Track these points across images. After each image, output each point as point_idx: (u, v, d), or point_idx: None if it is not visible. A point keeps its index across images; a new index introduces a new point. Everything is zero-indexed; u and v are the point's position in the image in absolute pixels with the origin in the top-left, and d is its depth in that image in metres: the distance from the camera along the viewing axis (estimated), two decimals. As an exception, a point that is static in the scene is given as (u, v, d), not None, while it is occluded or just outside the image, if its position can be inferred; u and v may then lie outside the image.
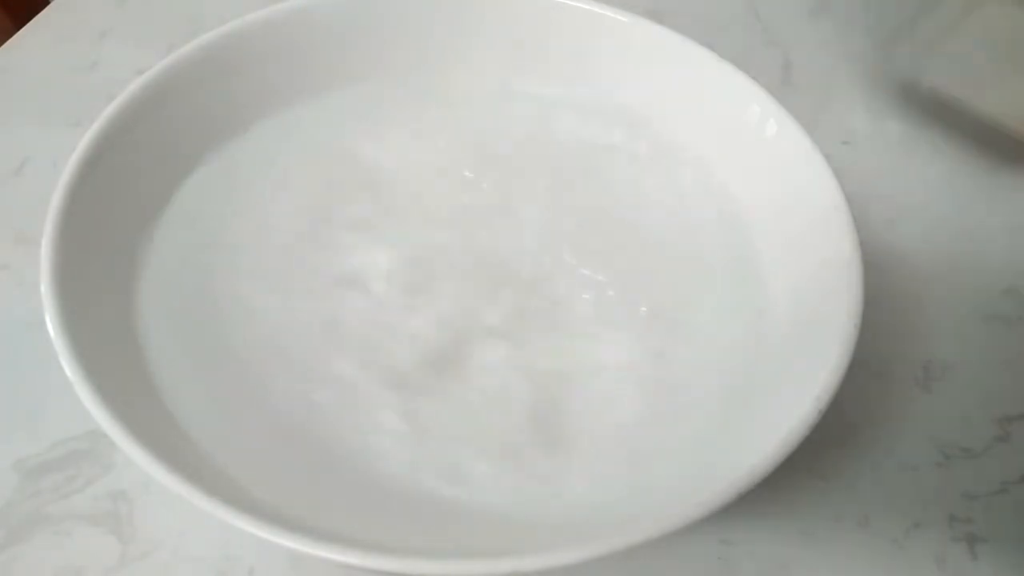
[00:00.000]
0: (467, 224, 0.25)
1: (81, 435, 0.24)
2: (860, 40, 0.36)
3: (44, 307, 0.19)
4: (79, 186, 0.21)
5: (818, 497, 0.24)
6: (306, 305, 0.23)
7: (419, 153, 0.27)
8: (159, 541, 0.22)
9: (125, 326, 0.22)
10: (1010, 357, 0.27)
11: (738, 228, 0.25)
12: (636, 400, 0.22)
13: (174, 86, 0.24)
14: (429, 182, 0.26)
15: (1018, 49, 0.30)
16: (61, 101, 0.32)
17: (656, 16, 0.27)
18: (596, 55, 0.27)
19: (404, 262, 0.24)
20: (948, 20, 0.31)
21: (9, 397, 0.25)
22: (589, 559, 0.16)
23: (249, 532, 0.16)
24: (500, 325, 0.23)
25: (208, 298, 0.23)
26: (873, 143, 0.32)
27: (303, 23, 0.26)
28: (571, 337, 0.23)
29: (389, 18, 0.27)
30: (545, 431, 0.21)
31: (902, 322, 0.27)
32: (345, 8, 0.27)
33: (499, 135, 0.28)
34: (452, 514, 0.20)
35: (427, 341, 0.23)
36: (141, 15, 0.36)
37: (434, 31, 0.28)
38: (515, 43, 0.28)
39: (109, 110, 0.23)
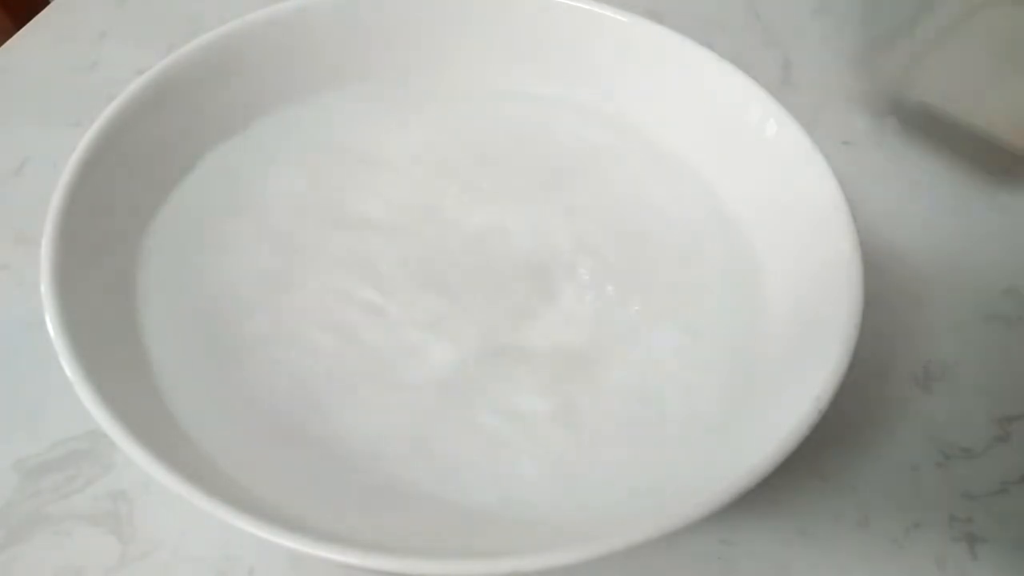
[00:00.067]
0: (467, 224, 0.25)
1: (81, 435, 0.24)
2: (860, 40, 0.36)
3: (44, 307, 0.19)
4: (79, 186, 0.21)
5: (818, 497, 0.24)
6: (307, 304, 0.23)
7: (418, 153, 0.27)
8: (159, 541, 0.22)
9: (125, 326, 0.22)
10: (1010, 357, 0.27)
11: (738, 228, 0.25)
12: (635, 400, 0.22)
13: (174, 86, 0.24)
14: (428, 182, 0.26)
15: (1018, 50, 0.30)
16: (61, 101, 0.32)
17: (656, 16, 0.27)
18: (596, 55, 0.27)
19: (404, 262, 0.24)
20: (949, 20, 0.31)
21: (9, 397, 0.25)
22: (589, 559, 0.16)
23: (249, 532, 0.16)
24: (500, 326, 0.23)
25: (208, 298, 0.23)
26: (873, 143, 0.32)
27: (303, 23, 0.26)
28: (569, 337, 0.23)
29: (389, 18, 0.27)
30: (544, 432, 0.21)
31: (902, 322, 0.27)
32: (345, 8, 0.27)
33: (498, 135, 0.28)
34: (452, 514, 0.20)
35: (428, 341, 0.23)
36: (141, 15, 0.36)
37: (434, 31, 0.28)
38: (514, 43, 0.28)
39: (109, 110, 0.23)
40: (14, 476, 0.23)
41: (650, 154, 0.27)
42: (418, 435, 0.21)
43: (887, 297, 0.27)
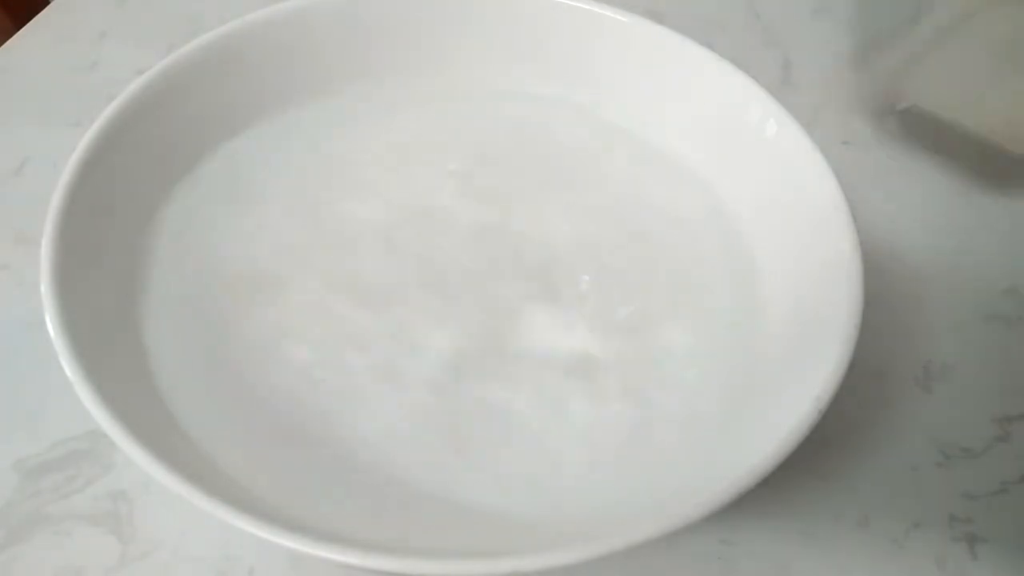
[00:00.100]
0: (467, 224, 0.25)
1: (81, 435, 0.24)
2: (860, 40, 0.36)
3: (44, 307, 0.19)
4: (79, 186, 0.21)
5: (818, 497, 0.24)
6: (307, 304, 0.23)
7: (418, 153, 0.27)
8: (159, 541, 0.22)
9: (125, 326, 0.22)
10: (1010, 357, 0.27)
11: (738, 228, 0.25)
12: (635, 399, 0.22)
13: (174, 86, 0.24)
14: (428, 182, 0.26)
15: (1018, 51, 0.30)
16: (61, 101, 0.32)
17: (656, 16, 0.27)
18: (595, 55, 0.27)
19: (403, 262, 0.24)
20: (948, 21, 0.31)
21: (9, 397, 0.25)
22: (589, 559, 0.16)
23: (249, 532, 0.16)
24: (499, 326, 0.23)
25: (208, 298, 0.23)
26: (873, 143, 0.32)
27: (303, 23, 0.26)
28: (569, 337, 0.23)
29: (389, 18, 0.27)
30: (544, 432, 0.21)
31: (902, 322, 0.27)
32: (345, 8, 0.27)
33: (498, 135, 0.28)
34: (452, 514, 0.20)
35: (428, 341, 0.23)
36: (141, 15, 0.36)
37: (434, 31, 0.28)
38: (515, 43, 0.28)
39: (109, 110, 0.23)
40: (14, 476, 0.23)
41: (650, 154, 0.27)
42: (418, 435, 0.21)
43: (887, 297, 0.27)
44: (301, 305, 0.23)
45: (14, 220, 0.28)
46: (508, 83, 0.28)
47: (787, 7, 0.37)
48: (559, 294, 0.24)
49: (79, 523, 0.22)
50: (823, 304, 0.21)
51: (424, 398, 0.22)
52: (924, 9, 0.32)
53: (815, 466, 0.24)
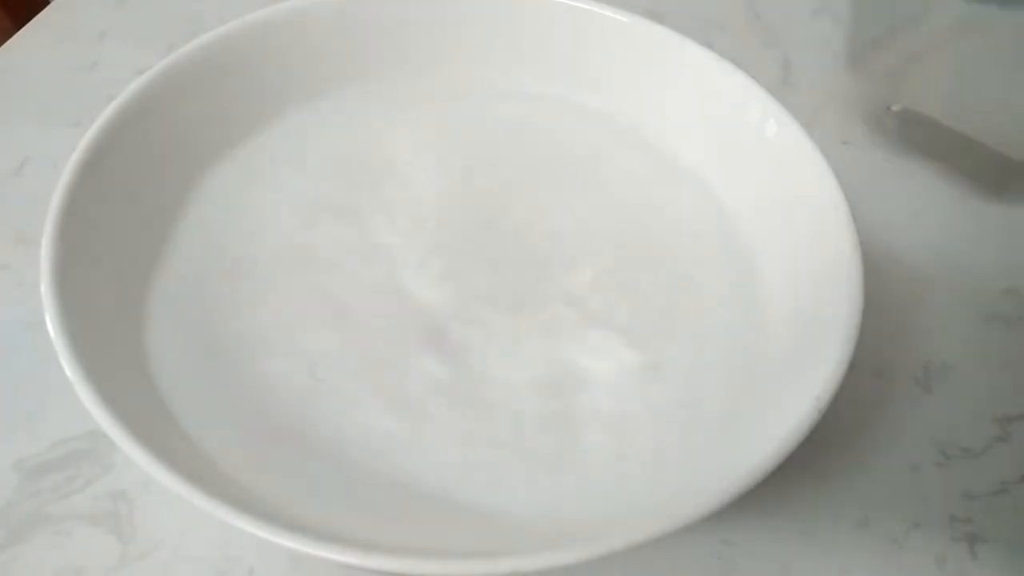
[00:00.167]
0: (466, 224, 0.25)
1: (81, 435, 0.24)
2: (860, 40, 0.36)
3: (44, 307, 0.19)
4: (79, 186, 0.21)
5: (818, 497, 0.24)
6: (310, 305, 0.23)
7: (418, 153, 0.27)
8: (159, 541, 0.22)
9: (125, 326, 0.22)
10: (1010, 357, 0.27)
11: (738, 228, 0.25)
12: (635, 400, 0.22)
13: (174, 86, 0.24)
14: (428, 181, 0.26)
15: (1018, 54, 0.30)
16: (61, 101, 0.32)
17: (656, 16, 0.27)
18: (596, 55, 0.27)
19: (403, 262, 0.24)
20: (948, 22, 0.31)
21: (9, 397, 0.25)
22: (589, 559, 0.16)
23: (249, 532, 0.16)
24: (500, 327, 0.23)
25: (208, 297, 0.23)
26: (873, 143, 0.32)
27: (303, 23, 0.26)
28: (569, 338, 0.23)
29: (388, 18, 0.27)
30: (545, 432, 0.21)
31: (902, 322, 0.27)
32: (345, 8, 0.27)
33: (498, 135, 0.28)
34: (452, 514, 0.20)
35: (428, 341, 0.23)
36: (141, 15, 0.36)
37: (434, 31, 0.28)
38: (514, 43, 0.28)
39: (109, 110, 0.23)
40: (14, 476, 0.23)
41: (650, 154, 0.27)
42: (418, 435, 0.21)
43: (887, 297, 0.27)
44: (302, 305, 0.23)
45: (14, 220, 0.28)
46: (508, 83, 0.28)
47: (787, 7, 0.37)
48: (558, 294, 0.24)
49: (79, 523, 0.22)
50: (823, 304, 0.21)
51: (424, 398, 0.22)
52: (924, 10, 0.32)
53: (815, 466, 0.24)
